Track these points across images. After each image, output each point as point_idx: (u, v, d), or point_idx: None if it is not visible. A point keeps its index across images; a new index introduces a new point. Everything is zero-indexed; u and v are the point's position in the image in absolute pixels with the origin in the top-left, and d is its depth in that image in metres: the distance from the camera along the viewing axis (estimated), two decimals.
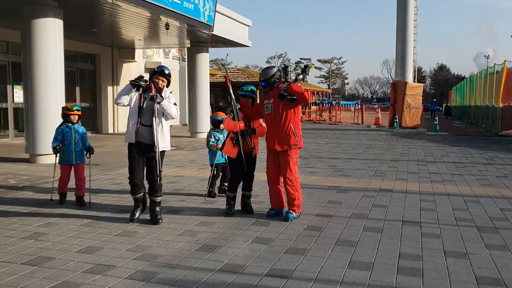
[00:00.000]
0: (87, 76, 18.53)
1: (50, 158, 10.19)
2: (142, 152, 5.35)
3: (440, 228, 5.29)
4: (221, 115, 6.94)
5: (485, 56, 72.59)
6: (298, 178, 5.65)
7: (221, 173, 7.04)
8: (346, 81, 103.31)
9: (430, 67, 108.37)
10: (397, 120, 22.99)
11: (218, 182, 7.07)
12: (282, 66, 6.03)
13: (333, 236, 4.96)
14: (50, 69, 10.13)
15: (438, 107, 41.36)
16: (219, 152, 6.60)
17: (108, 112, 19.09)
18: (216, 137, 6.80)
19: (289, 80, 5.80)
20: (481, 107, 24.33)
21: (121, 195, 6.94)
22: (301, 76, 5.79)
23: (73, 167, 6.45)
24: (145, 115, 5.28)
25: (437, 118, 24.46)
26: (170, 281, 3.73)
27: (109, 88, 19.08)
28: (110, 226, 5.30)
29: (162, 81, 5.36)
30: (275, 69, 5.71)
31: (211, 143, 6.79)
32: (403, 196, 7.02)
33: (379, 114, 28.09)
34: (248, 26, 18.85)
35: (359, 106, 33.43)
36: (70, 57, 16.32)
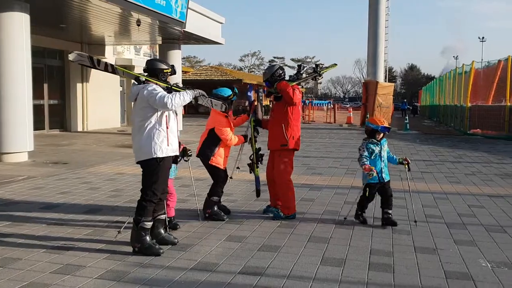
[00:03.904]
0: (55, 73, 18.07)
1: (17, 157, 9.91)
2: None
3: (411, 224, 5.38)
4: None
5: (453, 56, 74.46)
6: (288, 179, 5.56)
7: (380, 197, 5.39)
8: (318, 81, 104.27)
9: (401, 67, 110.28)
10: None
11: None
12: (297, 66, 6.01)
13: (306, 233, 4.99)
14: (16, 65, 9.83)
15: (408, 106, 42.24)
16: (378, 167, 5.25)
17: (77, 109, 18.67)
18: (370, 150, 5.27)
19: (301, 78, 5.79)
20: (450, 106, 24.96)
21: (90, 195, 6.80)
22: (303, 75, 5.81)
23: None
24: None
25: (407, 117, 24.95)
26: (141, 281, 3.67)
27: (78, 85, 18.66)
28: (79, 225, 5.17)
29: None
30: (275, 67, 5.65)
31: (363, 161, 5.22)
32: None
33: (351, 113, 28.45)
34: (221, 23, 18.77)
35: (332, 106, 33.80)
36: (37, 53, 15.86)
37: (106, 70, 4.38)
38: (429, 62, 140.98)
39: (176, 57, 17.49)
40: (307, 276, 3.79)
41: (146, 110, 4.25)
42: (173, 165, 4.82)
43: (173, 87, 4.38)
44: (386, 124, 5.35)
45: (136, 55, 22.02)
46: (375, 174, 5.16)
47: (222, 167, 5.54)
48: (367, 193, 5.33)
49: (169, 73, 4.45)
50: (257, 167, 5.82)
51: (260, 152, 5.80)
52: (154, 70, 4.39)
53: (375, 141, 5.31)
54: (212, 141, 5.44)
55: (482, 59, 34.95)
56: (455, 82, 23.61)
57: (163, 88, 4.31)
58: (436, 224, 5.40)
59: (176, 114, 4.52)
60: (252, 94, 5.95)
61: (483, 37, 73.00)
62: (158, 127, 4.26)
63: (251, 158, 5.77)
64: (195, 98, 4.43)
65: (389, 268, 4.00)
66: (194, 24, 15.55)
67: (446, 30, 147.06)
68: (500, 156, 12.01)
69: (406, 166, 5.38)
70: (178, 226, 5.05)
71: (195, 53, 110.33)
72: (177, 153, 4.51)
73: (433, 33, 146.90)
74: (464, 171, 9.53)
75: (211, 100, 4.65)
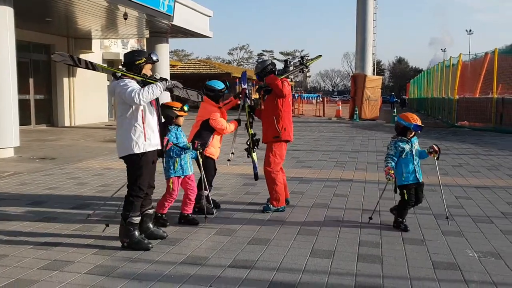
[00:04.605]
0: (41, 67, 17.83)
1: (2, 152, 9.78)
2: None
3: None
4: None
5: (441, 49, 75.09)
6: (276, 171, 5.56)
7: (414, 197, 4.95)
8: (308, 74, 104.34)
9: (389, 60, 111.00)
10: (357, 112, 23.44)
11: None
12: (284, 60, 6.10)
13: (295, 225, 5.00)
14: (0, 59, 9.67)
15: (396, 99, 42.58)
16: (411, 167, 4.88)
17: (64, 104, 18.47)
18: (400, 149, 4.88)
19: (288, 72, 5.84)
20: (437, 99, 25.15)
21: (78, 190, 6.74)
22: (290, 68, 5.84)
23: None
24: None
25: (395, 110, 25.10)
26: (131, 275, 3.65)
27: (65, 80, 18.45)
28: (67, 221, 5.13)
29: None
30: (268, 63, 5.73)
31: (388, 161, 4.87)
32: (363, 186, 7.16)
33: (340, 106, 28.51)
34: (209, 16, 18.64)
35: (321, 99, 33.86)
36: (22, 47, 15.63)
37: (87, 67, 4.38)
38: (416, 55, 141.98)
39: (164, 50, 17.35)
40: (296, 268, 3.80)
41: (122, 106, 4.23)
42: (189, 161, 4.90)
43: (147, 80, 4.27)
44: (419, 122, 4.86)
45: (124, 49, 21.80)
46: (392, 180, 4.78)
47: (215, 157, 5.57)
48: (405, 196, 4.86)
49: (142, 64, 4.31)
50: (254, 151, 5.83)
51: (255, 137, 5.80)
52: (129, 64, 4.32)
53: (406, 138, 4.90)
54: (205, 132, 5.45)
55: (469, 52, 35.32)
56: (442, 74, 23.79)
57: (139, 81, 4.25)
58: (423, 216, 5.45)
59: (159, 107, 4.48)
60: (245, 84, 5.93)
61: (470, 30, 73.60)
62: (134, 122, 4.19)
63: (248, 143, 5.79)
64: (171, 90, 4.33)
65: (378, 260, 4.03)
66: (181, 18, 15.43)
67: (433, 22, 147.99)
68: (487, 148, 12.14)
69: (434, 156, 4.92)
70: (168, 223, 5.00)
71: (183, 47, 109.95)
72: (159, 147, 4.43)
73: (421, 25, 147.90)
74: (452, 163, 9.61)
75: (186, 91, 4.61)
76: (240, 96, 5.81)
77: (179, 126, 4.96)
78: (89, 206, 5.76)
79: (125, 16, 12.92)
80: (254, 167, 5.90)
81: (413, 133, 4.92)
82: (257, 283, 3.52)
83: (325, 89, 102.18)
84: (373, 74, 25.61)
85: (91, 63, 4.40)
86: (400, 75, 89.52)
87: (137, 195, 4.25)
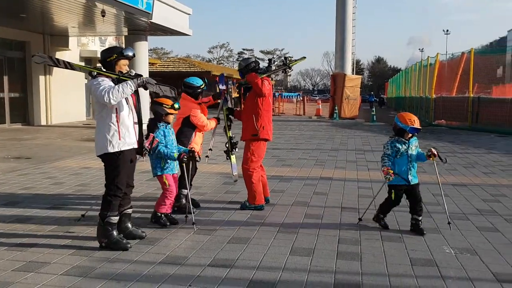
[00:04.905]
0: (16, 65, 17.42)
1: None
2: None
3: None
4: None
5: (419, 49, 76.21)
6: (253, 168, 5.54)
7: (408, 202, 4.84)
8: (288, 73, 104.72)
9: (368, 59, 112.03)
10: (337, 111, 23.62)
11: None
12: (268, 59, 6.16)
13: (275, 224, 5.00)
14: None
15: (375, 98, 43.09)
16: (404, 167, 4.76)
17: (41, 102, 18.08)
18: (395, 149, 4.76)
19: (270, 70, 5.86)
20: (415, 98, 25.52)
21: (54, 190, 6.61)
22: (273, 67, 5.87)
23: None
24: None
25: (374, 109, 25.37)
26: (109, 276, 3.59)
27: (41, 78, 18.06)
28: (43, 222, 5.02)
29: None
30: (251, 60, 5.73)
31: (385, 161, 4.75)
32: (342, 184, 7.22)
33: (320, 105, 28.72)
34: (189, 14, 18.51)
35: (301, 98, 34.02)
36: None
37: (66, 67, 4.33)
38: (395, 54, 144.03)
39: (142, 48, 17.15)
40: (276, 267, 3.80)
41: (98, 105, 4.20)
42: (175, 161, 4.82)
43: (122, 77, 4.18)
44: (416, 124, 4.69)
45: (102, 46, 21.46)
46: (391, 178, 4.63)
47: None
48: (393, 196, 4.76)
49: (114, 60, 4.21)
50: (233, 154, 5.83)
51: (233, 140, 5.80)
52: (103, 61, 4.27)
53: (403, 140, 4.76)
54: (187, 129, 5.42)
55: (446, 52, 35.98)
56: (420, 74, 24.14)
57: (114, 79, 4.19)
58: (401, 213, 5.50)
59: (140, 105, 4.41)
60: (223, 85, 5.90)
61: (447, 30, 74.90)
62: (108, 121, 4.14)
63: (227, 145, 5.77)
64: (144, 86, 4.25)
65: (357, 257, 4.06)
66: (160, 15, 15.27)
67: (411, 22, 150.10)
68: (463, 146, 12.37)
69: (433, 159, 4.76)
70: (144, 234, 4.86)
71: (162, 45, 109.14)
72: (135, 146, 4.34)
73: (399, 25, 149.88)
74: (429, 161, 9.73)
75: (159, 86, 4.54)
76: (220, 97, 5.79)
77: (168, 123, 4.89)
78: (66, 206, 5.66)
79: (103, 13, 12.71)
80: (233, 170, 5.89)
81: (411, 134, 4.77)
82: (237, 282, 3.51)
83: (306, 88, 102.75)
84: (353, 74, 25.85)
85: (68, 63, 4.35)
86: (379, 75, 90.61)
87: (115, 194, 4.19)
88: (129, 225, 4.48)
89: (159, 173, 4.83)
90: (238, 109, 5.91)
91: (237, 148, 5.83)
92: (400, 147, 4.73)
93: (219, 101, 5.82)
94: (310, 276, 3.63)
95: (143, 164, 4.94)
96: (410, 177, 4.75)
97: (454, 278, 3.63)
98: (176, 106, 4.85)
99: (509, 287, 3.50)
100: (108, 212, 4.17)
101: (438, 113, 19.83)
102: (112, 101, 3.98)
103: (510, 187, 7.09)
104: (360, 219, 5.11)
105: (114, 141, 4.13)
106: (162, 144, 4.75)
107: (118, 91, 4.00)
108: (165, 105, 4.81)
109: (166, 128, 4.86)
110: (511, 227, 5.01)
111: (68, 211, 5.43)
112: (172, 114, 4.86)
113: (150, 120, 4.94)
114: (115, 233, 4.20)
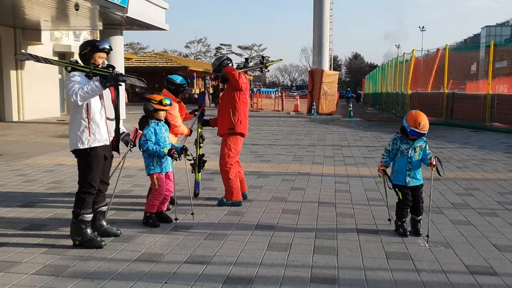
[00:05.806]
0: None
1: None
2: None
3: (354, 208, 5.52)
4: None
5: (395, 45, 77.22)
6: (230, 164, 5.53)
7: (410, 201, 4.61)
8: (264, 72, 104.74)
9: (345, 56, 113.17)
10: (315, 107, 23.73)
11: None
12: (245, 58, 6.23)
13: (253, 220, 4.99)
14: None
15: (352, 94, 43.50)
16: (402, 168, 4.61)
17: (12, 98, 17.61)
18: (396, 147, 4.62)
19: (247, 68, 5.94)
20: (391, 94, 25.84)
21: (26, 187, 6.45)
22: (250, 64, 5.98)
23: None
24: None
25: (351, 105, 25.59)
26: (82, 274, 3.52)
27: (12, 72, 17.58)
28: (14, 220, 4.89)
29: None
30: (223, 58, 5.70)
31: (382, 157, 4.68)
32: (320, 179, 7.25)
33: (298, 101, 28.81)
34: (165, 9, 18.27)
35: (279, 94, 34.07)
36: None
37: (46, 62, 4.28)
38: (372, 50, 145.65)
39: (118, 43, 16.84)
40: (253, 262, 3.79)
41: (70, 101, 4.10)
42: (169, 159, 4.73)
43: (94, 71, 4.08)
44: (420, 128, 4.42)
45: (76, 41, 21.04)
46: (381, 177, 4.58)
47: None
48: (399, 195, 4.56)
49: (88, 53, 4.12)
50: (199, 171, 5.84)
51: (203, 158, 5.82)
52: (79, 55, 4.21)
53: (406, 139, 4.57)
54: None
55: (422, 48, 36.53)
56: (396, 70, 24.45)
57: (88, 73, 4.08)
58: (377, 207, 5.57)
59: (119, 101, 4.31)
60: (202, 101, 6.03)
61: (423, 27, 76.27)
62: (79, 117, 4.08)
63: (195, 159, 5.74)
64: (116, 84, 4.11)
65: (333, 251, 4.08)
66: (136, 9, 15.04)
67: (388, 19, 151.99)
68: (438, 141, 12.57)
69: (432, 168, 4.53)
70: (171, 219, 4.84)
71: (138, 39, 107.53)
72: (107, 143, 4.24)
73: (376, 22, 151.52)
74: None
75: (129, 78, 4.42)
76: (196, 113, 5.81)
77: (159, 120, 4.77)
78: (38, 204, 5.52)
79: (77, 7, 12.44)
80: (196, 187, 5.95)
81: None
82: (213, 278, 3.48)
83: (284, 84, 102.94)
84: (330, 70, 26.00)
85: (47, 59, 4.27)
86: (356, 71, 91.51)
87: (88, 191, 4.10)
88: (104, 222, 4.40)
89: (151, 172, 4.74)
90: (212, 118, 5.93)
91: (204, 167, 5.87)
92: (401, 146, 4.58)
93: (192, 117, 5.83)
94: (287, 271, 3.63)
95: (119, 161, 4.84)
96: (408, 179, 4.58)
97: (428, 271, 3.68)
98: (167, 101, 4.72)
99: (480, 278, 3.56)
100: (81, 209, 4.08)
101: (414, 109, 20.07)
102: (79, 101, 3.95)
103: (483, 181, 7.24)
104: (389, 220, 4.89)
105: (84, 138, 4.07)
106: (151, 142, 4.67)
107: (85, 92, 3.94)
108: (153, 101, 4.70)
109: (157, 125, 4.75)
110: (483, 220, 5.11)
111: (41, 209, 5.30)
112: (161, 110, 4.74)
113: (141, 117, 4.85)
114: (89, 231, 4.12)
